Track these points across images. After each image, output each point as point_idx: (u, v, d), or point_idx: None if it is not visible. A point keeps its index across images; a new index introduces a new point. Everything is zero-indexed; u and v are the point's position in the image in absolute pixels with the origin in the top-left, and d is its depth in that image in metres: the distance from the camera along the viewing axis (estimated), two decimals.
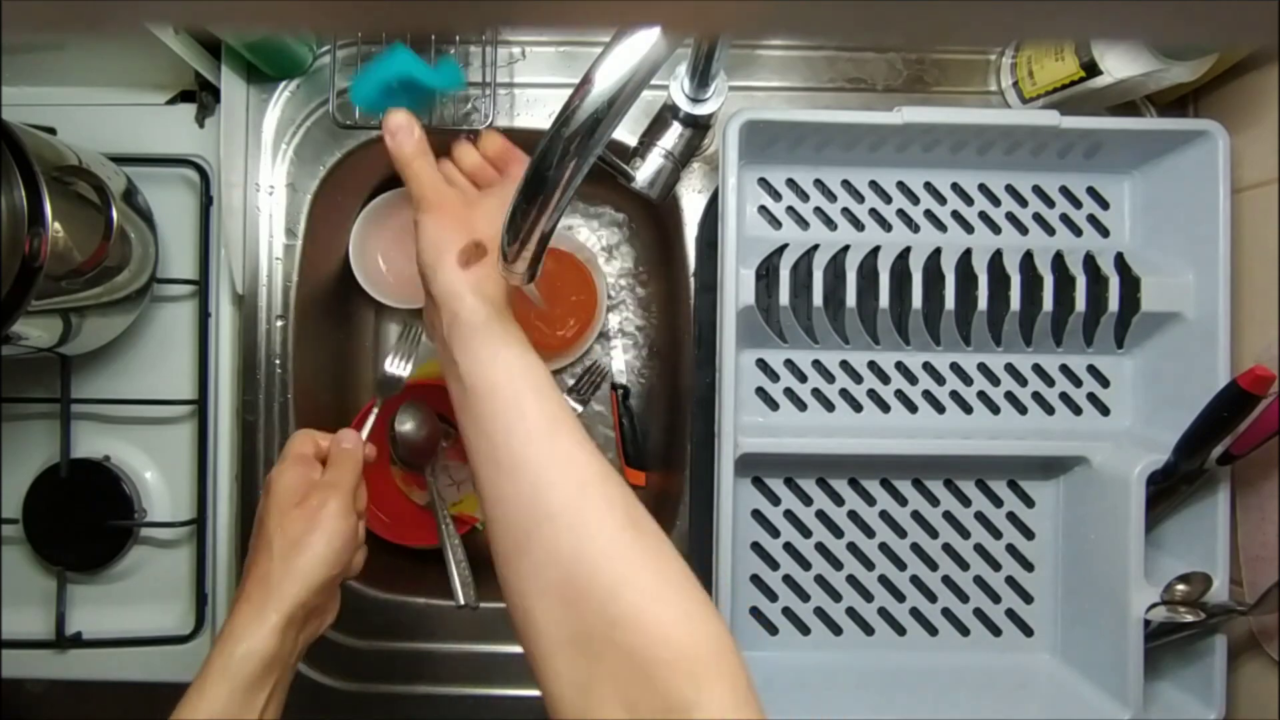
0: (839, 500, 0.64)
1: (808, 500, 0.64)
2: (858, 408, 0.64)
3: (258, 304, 0.66)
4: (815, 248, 0.62)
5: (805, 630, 0.64)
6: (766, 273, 0.61)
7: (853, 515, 0.64)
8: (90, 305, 0.57)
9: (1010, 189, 0.64)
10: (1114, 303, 0.61)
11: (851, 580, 0.64)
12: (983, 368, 0.64)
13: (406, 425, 0.68)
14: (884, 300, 0.61)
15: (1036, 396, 0.64)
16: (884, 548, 0.64)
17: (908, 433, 0.63)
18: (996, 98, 0.66)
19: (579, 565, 0.37)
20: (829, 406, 0.64)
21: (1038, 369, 0.64)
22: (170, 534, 0.65)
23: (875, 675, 0.62)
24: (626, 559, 0.37)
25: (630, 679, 0.34)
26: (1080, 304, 0.61)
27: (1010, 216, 0.64)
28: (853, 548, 0.64)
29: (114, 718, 0.66)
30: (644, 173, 0.60)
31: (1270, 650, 0.57)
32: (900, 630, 0.64)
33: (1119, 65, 0.56)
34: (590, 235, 0.80)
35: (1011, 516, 0.65)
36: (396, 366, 0.60)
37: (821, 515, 0.64)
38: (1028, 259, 0.62)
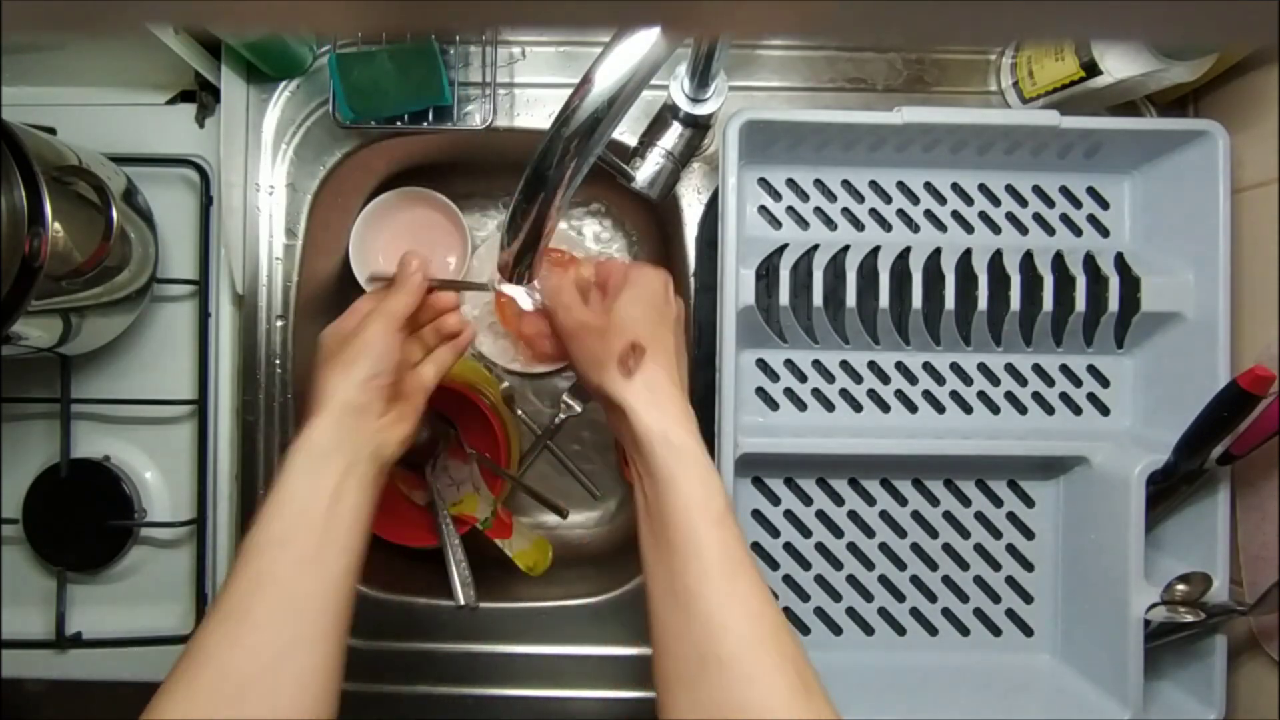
0: (839, 500, 0.64)
1: (808, 500, 0.64)
2: (858, 408, 0.64)
3: (258, 304, 0.66)
4: (815, 248, 0.62)
5: (805, 630, 0.64)
6: (766, 273, 0.61)
7: (853, 515, 0.64)
8: (90, 305, 0.57)
9: (1010, 189, 0.64)
10: (1114, 303, 0.61)
11: (851, 580, 0.64)
12: (983, 368, 0.64)
13: None
14: (884, 300, 0.61)
15: (1036, 396, 0.64)
16: (884, 548, 0.64)
17: (908, 433, 0.63)
18: (996, 98, 0.66)
19: (746, 718, 0.37)
20: (829, 406, 0.64)
21: (1038, 369, 0.64)
22: (170, 534, 0.65)
23: (875, 675, 0.62)
24: None
25: None
26: (1080, 304, 0.61)
27: (1010, 216, 0.64)
28: (853, 548, 0.64)
29: (114, 718, 0.66)
30: (644, 173, 0.60)
31: (1270, 650, 0.57)
32: (900, 630, 0.64)
33: (1119, 65, 0.56)
34: (590, 235, 0.80)
35: (1011, 516, 0.65)
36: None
37: (821, 515, 0.64)
38: (1028, 259, 0.62)
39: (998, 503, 0.65)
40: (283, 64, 0.64)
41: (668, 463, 0.43)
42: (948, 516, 0.65)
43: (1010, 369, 0.64)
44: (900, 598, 0.64)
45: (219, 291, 0.65)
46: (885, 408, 0.64)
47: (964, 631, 0.65)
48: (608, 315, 0.48)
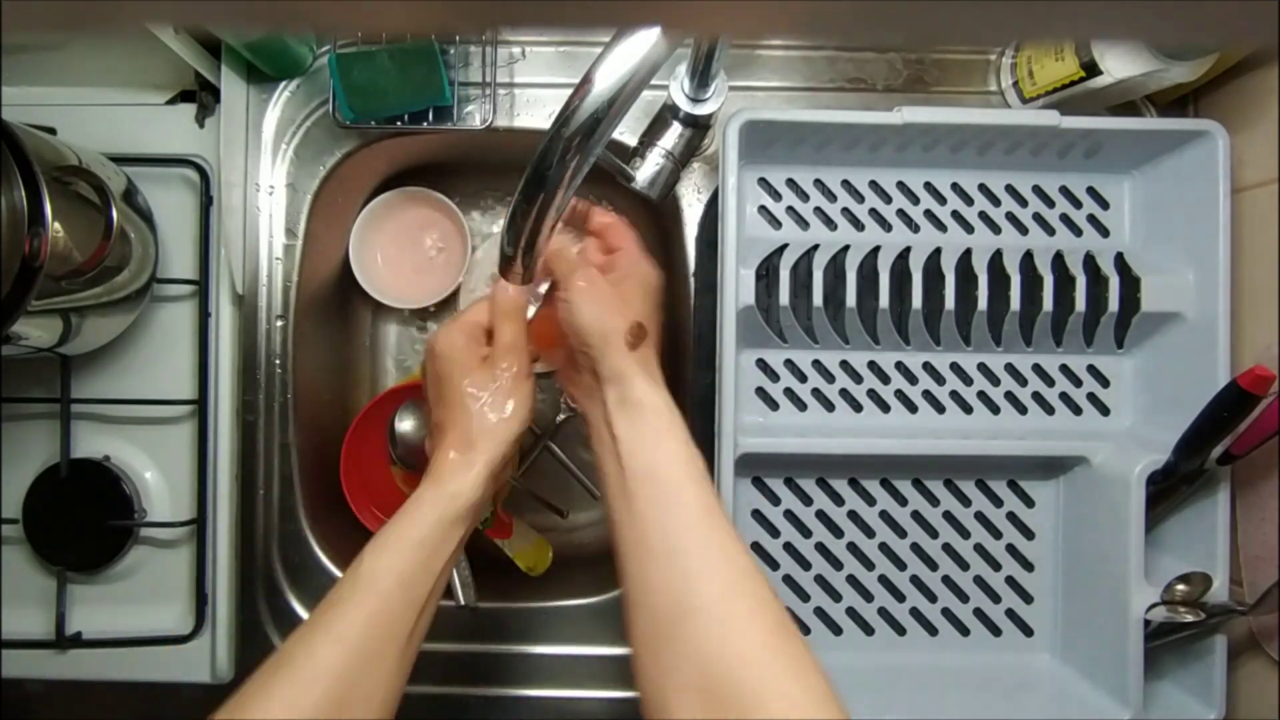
0: (839, 500, 0.64)
1: (808, 500, 0.64)
2: (858, 408, 0.64)
3: (258, 304, 0.66)
4: (815, 248, 0.62)
5: (805, 630, 0.64)
6: (766, 273, 0.61)
7: (853, 515, 0.64)
8: (90, 305, 0.57)
9: (1010, 189, 0.64)
10: (1114, 303, 0.61)
11: (851, 580, 0.64)
12: (983, 368, 0.64)
13: (406, 425, 0.68)
14: (884, 300, 0.61)
15: (1036, 396, 0.64)
16: (884, 548, 0.64)
17: (908, 433, 0.63)
18: (996, 98, 0.66)
19: (725, 664, 0.38)
20: (829, 406, 0.64)
21: (1038, 369, 0.64)
22: (170, 534, 0.65)
23: (875, 675, 0.62)
24: (774, 667, 0.38)
25: None
26: (1080, 304, 0.61)
27: (1010, 216, 0.64)
28: (853, 548, 0.64)
29: (114, 718, 0.66)
30: (644, 173, 0.60)
31: (1270, 650, 0.57)
32: (900, 630, 0.64)
33: (1119, 65, 0.56)
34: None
35: (1011, 516, 0.65)
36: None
37: (821, 515, 0.64)
38: (1028, 259, 0.62)
39: (998, 503, 0.65)
40: (283, 64, 0.64)
41: (659, 425, 0.45)
42: (947, 516, 0.65)
43: (1010, 369, 0.64)
44: (900, 598, 0.64)
45: (219, 291, 0.65)
46: (885, 408, 0.64)
47: (964, 631, 0.65)
48: (624, 292, 0.49)
